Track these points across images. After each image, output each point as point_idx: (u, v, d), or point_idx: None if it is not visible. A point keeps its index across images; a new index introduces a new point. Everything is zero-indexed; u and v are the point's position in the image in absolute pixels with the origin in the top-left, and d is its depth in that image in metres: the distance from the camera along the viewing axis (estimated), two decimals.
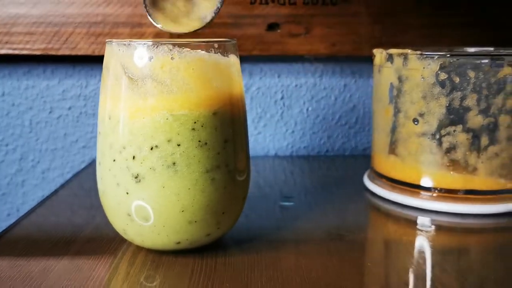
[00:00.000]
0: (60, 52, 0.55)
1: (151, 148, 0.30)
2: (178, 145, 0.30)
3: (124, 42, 0.31)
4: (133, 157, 0.30)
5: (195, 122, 0.30)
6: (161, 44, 0.30)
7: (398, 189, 0.44)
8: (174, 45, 0.30)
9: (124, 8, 0.55)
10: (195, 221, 0.31)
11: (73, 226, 0.39)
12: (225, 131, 0.32)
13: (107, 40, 0.33)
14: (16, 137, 0.60)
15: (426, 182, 0.42)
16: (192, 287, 0.29)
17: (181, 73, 0.30)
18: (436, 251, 0.35)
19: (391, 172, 0.45)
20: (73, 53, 0.56)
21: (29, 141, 0.60)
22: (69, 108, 0.60)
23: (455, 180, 0.41)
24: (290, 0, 0.56)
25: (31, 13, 0.55)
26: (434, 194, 0.42)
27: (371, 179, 0.47)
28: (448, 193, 0.41)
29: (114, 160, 0.31)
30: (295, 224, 0.39)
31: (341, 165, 0.58)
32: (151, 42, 0.30)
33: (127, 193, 0.31)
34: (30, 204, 0.61)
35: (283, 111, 0.61)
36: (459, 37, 0.57)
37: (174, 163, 0.30)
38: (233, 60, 0.33)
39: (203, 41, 0.31)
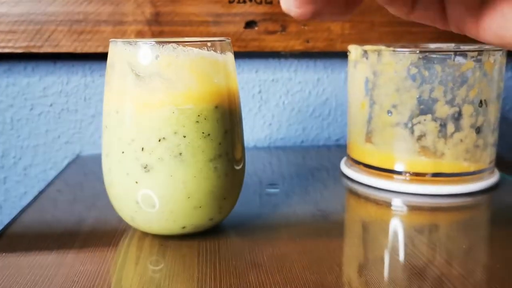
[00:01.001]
0: (42, 50, 0.56)
1: (159, 140, 0.33)
2: (184, 136, 0.33)
3: (130, 42, 0.33)
4: (142, 149, 0.33)
5: (199, 115, 0.33)
6: (166, 43, 0.32)
7: (373, 174, 0.48)
8: (178, 43, 0.32)
9: (105, 7, 0.57)
10: (200, 207, 0.34)
11: (73, 220, 0.40)
12: (225, 123, 0.34)
13: (111, 39, 0.35)
14: None
15: (399, 167, 0.46)
16: (201, 265, 0.32)
17: (185, 70, 0.32)
18: (409, 228, 0.39)
19: (367, 158, 0.48)
20: (55, 50, 0.57)
21: (10, 138, 0.61)
22: (51, 105, 0.61)
23: (425, 165, 0.45)
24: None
25: (12, 11, 0.55)
26: (407, 178, 0.46)
27: (348, 166, 0.51)
28: (419, 176, 0.46)
29: (123, 152, 0.33)
30: (283, 208, 0.42)
31: (316, 154, 0.62)
32: (155, 42, 0.32)
33: (136, 182, 0.33)
34: (13, 200, 0.62)
35: (261, 105, 0.64)
36: (421, 34, 0.62)
37: (180, 153, 0.33)
38: (230, 57, 0.35)
39: (203, 40, 0.34)
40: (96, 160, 0.47)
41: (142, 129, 0.33)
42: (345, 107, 0.65)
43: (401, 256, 0.34)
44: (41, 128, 0.61)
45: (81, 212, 0.42)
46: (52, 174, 0.61)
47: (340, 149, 0.64)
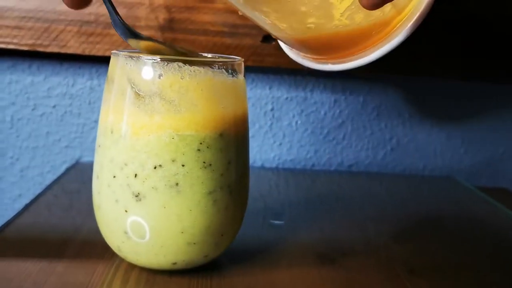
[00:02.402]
0: (49, 49, 0.54)
1: (155, 167, 0.29)
2: (183, 165, 0.30)
3: (133, 57, 0.30)
4: (135, 175, 0.30)
5: (201, 143, 0.30)
6: (171, 61, 0.29)
7: None
8: (184, 62, 0.29)
9: (118, 9, 0.54)
10: (194, 243, 0.31)
11: (68, 228, 0.39)
12: (229, 152, 0.31)
13: (112, 51, 0.32)
14: None
15: None
16: None
17: (190, 93, 0.29)
18: None
19: None
20: (62, 51, 0.54)
21: (9, 137, 0.58)
22: (54, 106, 0.58)
23: None
24: None
25: (20, 6, 0.53)
26: None
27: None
28: None
29: (114, 177, 0.30)
30: (287, 243, 0.39)
31: (327, 180, 0.58)
32: (159, 59, 0.29)
33: (126, 210, 0.30)
34: (6, 202, 0.59)
35: (272, 123, 0.61)
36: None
37: (177, 184, 0.30)
38: (240, 80, 0.32)
39: (212, 61, 0.31)
40: None
41: (137, 153, 0.30)
42: (361, 131, 0.62)
43: None
44: (42, 129, 0.58)
45: (76, 220, 0.39)
46: (49, 178, 0.59)
47: (353, 176, 0.61)
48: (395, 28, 0.35)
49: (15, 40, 0.53)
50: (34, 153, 0.59)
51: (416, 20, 0.33)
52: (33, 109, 0.58)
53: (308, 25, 0.33)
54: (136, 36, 0.32)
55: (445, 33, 0.56)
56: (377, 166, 0.62)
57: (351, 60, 0.36)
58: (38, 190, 0.56)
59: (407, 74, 0.59)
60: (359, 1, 0.27)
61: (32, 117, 0.58)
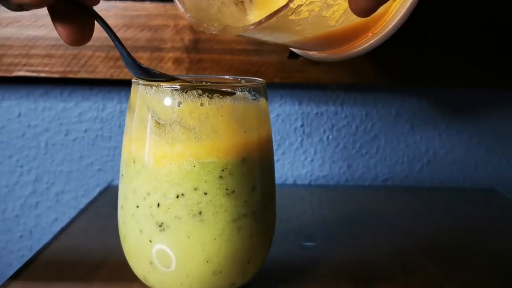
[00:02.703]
0: (79, 75, 0.55)
1: (177, 196, 0.29)
2: (205, 193, 0.29)
3: (152, 85, 0.30)
4: (158, 205, 0.29)
5: (223, 170, 0.29)
6: (190, 89, 0.29)
7: None
8: (203, 90, 0.29)
9: (144, 32, 0.54)
10: (220, 272, 0.30)
11: (102, 250, 0.40)
12: (253, 178, 0.30)
13: (132, 80, 0.32)
14: (31, 158, 0.59)
15: None
16: None
17: (210, 120, 0.29)
18: None
19: None
20: (92, 76, 0.55)
21: (44, 162, 0.59)
22: (85, 131, 0.59)
23: None
24: None
25: (50, 35, 0.54)
26: None
27: None
28: None
29: (138, 206, 0.30)
30: (319, 267, 0.37)
31: (362, 195, 0.56)
32: (179, 86, 0.29)
33: (150, 240, 0.30)
34: (43, 226, 0.60)
35: (303, 139, 0.60)
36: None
37: (200, 212, 0.29)
38: (262, 103, 0.32)
39: (233, 85, 0.30)
40: None
41: (159, 183, 0.29)
42: (395, 144, 0.60)
43: None
44: (75, 154, 0.59)
45: (110, 243, 0.40)
46: (83, 201, 0.59)
47: (388, 190, 0.59)
48: (390, 16, 0.36)
49: (46, 68, 0.54)
50: (68, 177, 0.60)
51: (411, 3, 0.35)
52: (66, 134, 0.59)
53: (305, 36, 0.33)
54: (148, 73, 0.30)
55: (477, 38, 0.54)
56: (414, 180, 0.60)
57: (350, 51, 0.37)
58: (73, 214, 0.57)
59: (441, 85, 0.57)
60: (352, 11, 0.26)
61: (65, 142, 0.59)
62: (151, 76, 0.30)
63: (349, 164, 0.60)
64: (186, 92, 0.29)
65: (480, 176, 0.60)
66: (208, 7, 0.32)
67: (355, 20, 0.33)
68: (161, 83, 0.30)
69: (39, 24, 0.54)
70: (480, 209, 0.53)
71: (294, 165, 0.60)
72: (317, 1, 0.28)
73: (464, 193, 0.58)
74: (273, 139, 0.59)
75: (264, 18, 0.27)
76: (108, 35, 0.30)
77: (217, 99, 0.29)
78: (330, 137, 0.60)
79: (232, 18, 0.34)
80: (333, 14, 0.30)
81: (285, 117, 0.59)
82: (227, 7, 0.33)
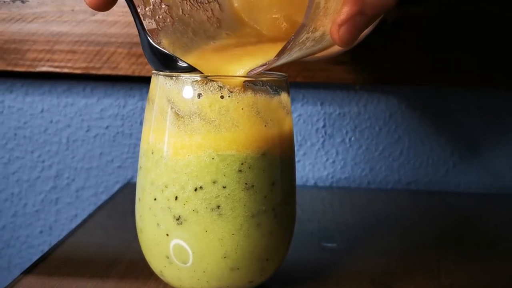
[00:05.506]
0: (101, 72, 0.55)
1: (195, 189, 0.28)
2: (224, 187, 0.28)
3: (172, 76, 0.29)
4: (176, 198, 0.29)
5: (242, 164, 0.28)
6: (211, 80, 0.28)
7: None
8: (224, 83, 0.28)
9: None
10: (238, 268, 0.29)
11: (119, 247, 0.39)
12: (273, 172, 0.30)
13: (153, 71, 0.31)
14: (53, 154, 0.59)
15: None
16: None
17: (230, 113, 0.28)
18: None
19: None
20: (114, 72, 0.55)
21: (65, 158, 0.59)
22: (106, 127, 0.59)
23: None
24: None
25: (73, 31, 0.54)
26: None
27: None
28: None
29: (155, 199, 0.29)
30: (340, 269, 0.36)
31: (384, 199, 0.55)
32: (199, 78, 0.29)
33: (167, 234, 0.29)
34: (63, 222, 0.60)
35: (324, 140, 0.59)
36: None
37: (218, 206, 0.28)
38: (284, 97, 0.31)
39: (254, 78, 0.29)
40: None
41: (177, 174, 0.29)
42: (419, 147, 0.58)
43: None
44: (96, 150, 0.59)
45: (128, 239, 0.39)
46: (103, 198, 0.59)
47: (411, 194, 0.57)
48: None
49: (69, 64, 0.55)
50: (89, 174, 0.60)
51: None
52: (87, 131, 0.59)
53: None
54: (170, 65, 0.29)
55: (500, 40, 0.52)
56: (438, 184, 0.59)
57: None
58: (92, 210, 0.57)
59: (468, 86, 0.55)
60: (333, 41, 0.27)
61: (86, 139, 0.59)
62: (168, 60, 0.29)
63: (371, 167, 0.59)
64: (206, 84, 0.28)
65: (508, 181, 0.58)
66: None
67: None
68: (181, 74, 0.29)
69: (63, 20, 0.54)
70: (508, 216, 0.52)
71: (315, 167, 0.59)
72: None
73: (491, 199, 0.56)
74: (294, 139, 0.58)
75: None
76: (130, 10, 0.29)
77: (238, 92, 0.28)
78: (353, 138, 0.58)
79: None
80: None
81: (306, 117, 0.58)
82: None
